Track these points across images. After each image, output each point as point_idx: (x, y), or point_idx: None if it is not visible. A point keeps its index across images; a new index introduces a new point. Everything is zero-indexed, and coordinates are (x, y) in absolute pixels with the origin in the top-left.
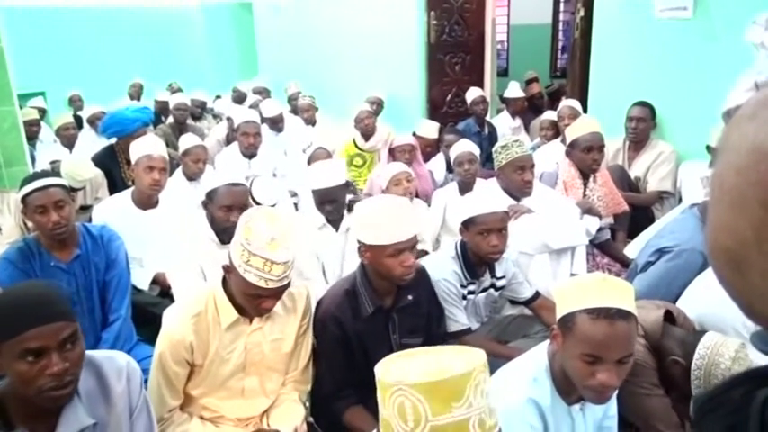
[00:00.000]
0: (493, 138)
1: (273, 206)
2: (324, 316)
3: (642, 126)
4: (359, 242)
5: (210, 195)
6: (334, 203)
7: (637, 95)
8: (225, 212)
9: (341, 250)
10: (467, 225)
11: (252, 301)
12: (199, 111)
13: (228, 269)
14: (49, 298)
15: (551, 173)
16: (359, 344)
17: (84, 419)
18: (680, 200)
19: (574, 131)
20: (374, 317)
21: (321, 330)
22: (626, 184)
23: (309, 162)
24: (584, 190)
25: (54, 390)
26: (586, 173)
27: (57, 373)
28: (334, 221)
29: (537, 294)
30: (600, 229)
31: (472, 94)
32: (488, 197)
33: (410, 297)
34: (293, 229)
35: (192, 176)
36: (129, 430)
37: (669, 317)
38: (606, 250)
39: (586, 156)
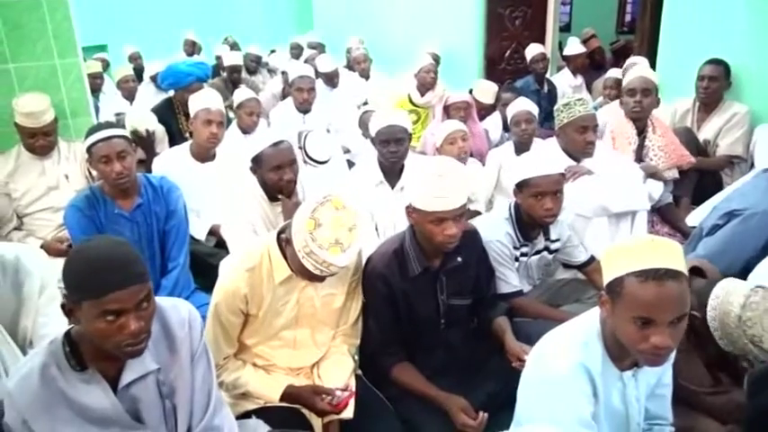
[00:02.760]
0: (552, 96)
1: (326, 162)
2: (372, 274)
3: (714, 86)
4: (407, 206)
5: (257, 161)
6: (398, 143)
7: (710, 53)
8: (275, 173)
9: (394, 209)
10: (521, 187)
11: (305, 275)
12: (254, 65)
13: (287, 241)
14: (128, 259)
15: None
16: (405, 303)
17: (150, 364)
18: (752, 165)
19: (625, 79)
20: (421, 277)
21: (369, 288)
22: (693, 147)
23: (360, 125)
24: (642, 142)
25: (131, 346)
26: (635, 119)
27: (134, 332)
28: (391, 177)
29: (592, 259)
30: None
31: (532, 50)
32: (545, 159)
33: (459, 259)
34: (360, 230)
35: (246, 129)
36: (190, 374)
37: (698, 272)
38: (667, 216)
39: (629, 99)
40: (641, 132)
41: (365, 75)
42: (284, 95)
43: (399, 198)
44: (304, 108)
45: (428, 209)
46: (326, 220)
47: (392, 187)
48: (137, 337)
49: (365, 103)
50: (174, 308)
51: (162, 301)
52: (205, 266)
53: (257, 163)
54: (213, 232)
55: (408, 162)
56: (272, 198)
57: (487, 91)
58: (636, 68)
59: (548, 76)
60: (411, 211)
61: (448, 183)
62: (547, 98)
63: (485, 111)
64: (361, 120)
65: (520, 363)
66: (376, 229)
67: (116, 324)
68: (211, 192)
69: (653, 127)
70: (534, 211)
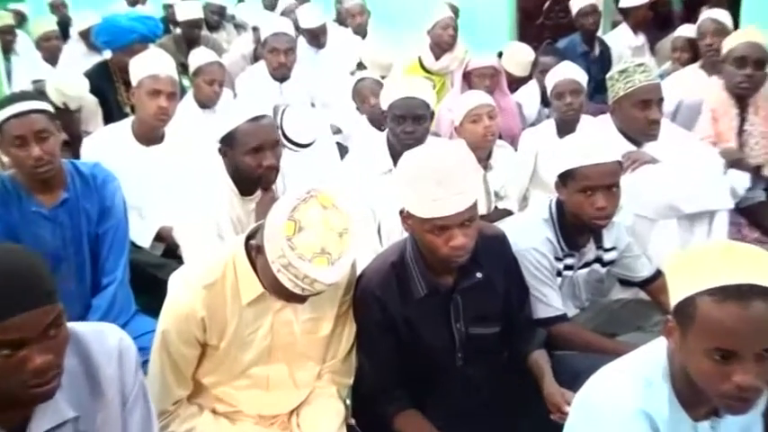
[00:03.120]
0: (605, 60)
1: (309, 145)
2: (364, 295)
3: None
4: (400, 210)
5: (229, 140)
6: (418, 122)
7: None
8: (253, 157)
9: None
10: (564, 179)
11: (281, 294)
12: (216, 18)
13: (257, 249)
14: (31, 273)
15: (693, 103)
16: (409, 333)
17: (65, 411)
18: None
19: (729, 42)
20: (429, 299)
21: (361, 313)
22: None
23: (354, 97)
24: (741, 124)
25: (37, 387)
26: (740, 96)
27: (40, 368)
28: None
29: (658, 273)
30: (751, 188)
31: (579, 1)
32: (596, 142)
33: (479, 275)
34: (356, 235)
35: (205, 102)
36: (121, 424)
37: None
38: (757, 218)
39: (737, 71)
40: (742, 113)
41: (361, 31)
42: (255, 58)
43: None
44: (281, 75)
45: (424, 215)
46: (310, 223)
47: None
48: (44, 374)
49: (360, 68)
50: (99, 335)
51: (81, 326)
52: (150, 282)
53: (229, 143)
54: (162, 237)
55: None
56: (245, 191)
57: (521, 61)
58: (743, 30)
59: (599, 34)
60: (405, 216)
61: (449, 177)
62: (598, 63)
63: (517, 81)
64: (355, 90)
65: (560, 415)
66: (379, 232)
67: (15, 359)
68: (160, 183)
69: (755, 107)
70: (583, 211)
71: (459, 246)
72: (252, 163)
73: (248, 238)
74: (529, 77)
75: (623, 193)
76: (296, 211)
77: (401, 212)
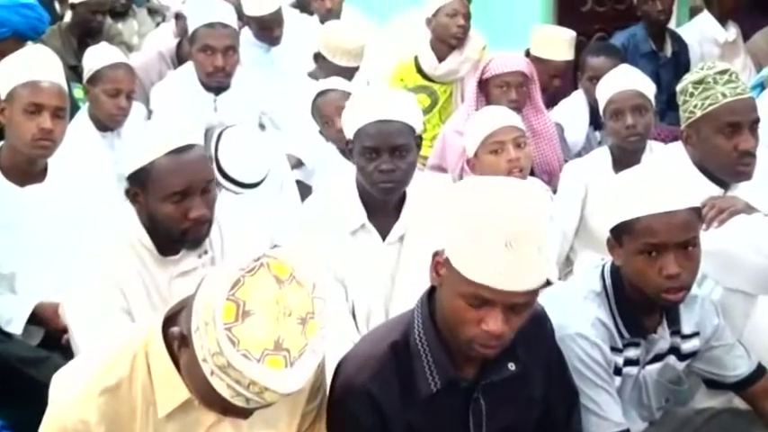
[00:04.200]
0: (681, 64)
1: (258, 185)
2: (347, 391)
3: None
4: (435, 252)
5: (141, 179)
6: (397, 154)
7: None
8: (176, 205)
9: (389, 272)
10: (619, 234)
11: (216, 405)
12: (123, 2)
13: (181, 340)
14: None
15: None
16: None
17: None
18: None
19: None
20: (442, 399)
21: (340, 419)
22: None
23: (315, 115)
24: None
25: None
26: None
27: None
28: (380, 217)
29: (760, 371)
30: None
31: None
32: (664, 181)
33: (512, 366)
34: (324, 322)
35: (106, 122)
36: None
37: None
38: None
39: None
40: None
41: (333, 19)
42: (179, 59)
43: (396, 255)
44: (216, 83)
45: (471, 276)
46: (260, 305)
47: (383, 237)
48: None
49: (321, 62)
50: None
51: None
52: (23, 383)
53: (141, 184)
54: (41, 318)
55: (414, 188)
56: (165, 249)
57: (557, 40)
58: None
59: (672, 26)
60: (440, 263)
61: (522, 241)
62: (671, 67)
63: (558, 78)
64: (315, 106)
65: None
66: (353, 313)
67: None
68: (39, 239)
69: None
70: (646, 280)
71: (494, 333)
72: (174, 213)
73: (168, 320)
74: (572, 86)
75: (706, 255)
76: (239, 287)
77: (435, 254)
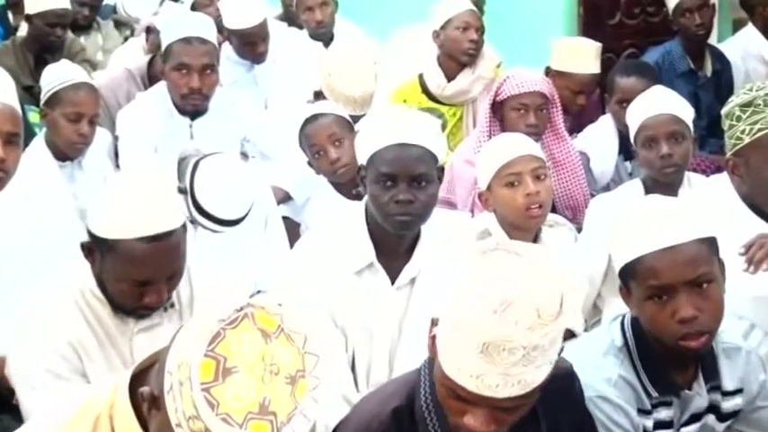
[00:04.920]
0: (723, 83)
1: (239, 222)
2: None
3: None
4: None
5: (103, 247)
6: (420, 185)
7: None
8: (132, 289)
9: (395, 320)
10: (626, 280)
11: None
12: (86, 13)
13: (152, 401)
14: None
15: None
16: None
17: None
18: None
19: None
20: None
21: None
22: None
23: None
24: None
25: None
26: None
27: None
28: (391, 255)
29: None
30: None
31: None
32: (663, 213)
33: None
34: (320, 381)
35: (67, 151)
36: None
37: None
38: None
39: None
40: None
41: (324, 34)
42: (151, 78)
43: (405, 301)
44: (192, 106)
45: (452, 376)
46: (243, 361)
47: (392, 280)
48: None
49: (318, 96)
50: None
51: None
52: None
53: (100, 249)
54: None
55: (430, 226)
56: (127, 310)
57: (580, 50)
58: None
59: (713, 41)
60: (433, 336)
61: (506, 357)
62: (712, 88)
63: (582, 95)
64: (304, 135)
65: None
66: (352, 365)
67: None
68: None
69: None
70: (661, 328)
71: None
72: (128, 292)
73: (136, 377)
74: (600, 110)
75: (754, 301)
76: (219, 341)
77: (433, 322)
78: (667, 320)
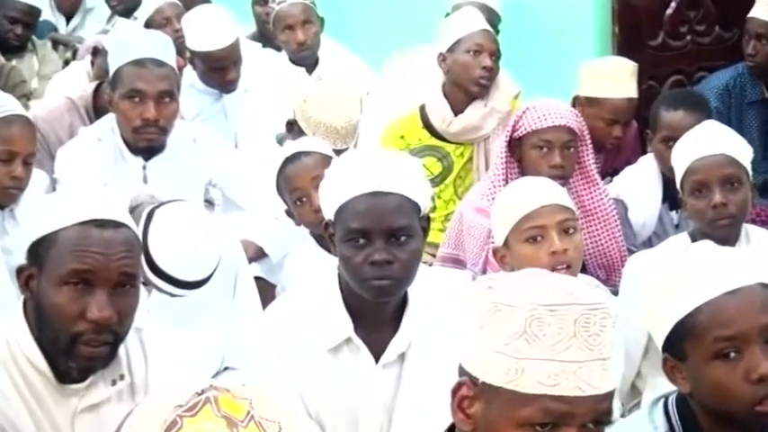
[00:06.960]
0: None
1: (202, 284)
2: None
3: None
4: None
5: (40, 251)
6: (398, 242)
7: None
8: (72, 295)
9: (382, 405)
10: (676, 345)
11: None
12: (19, 32)
13: None
14: None
15: None
16: None
17: None
18: None
19: None
20: None
21: None
22: None
23: (283, 189)
24: None
25: None
26: None
27: None
28: (372, 328)
29: None
30: None
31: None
32: (719, 257)
33: None
34: None
35: None
36: None
37: None
38: None
39: None
40: None
41: (307, 58)
42: (97, 110)
43: (394, 381)
44: (146, 141)
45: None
46: None
47: (376, 357)
48: None
49: (295, 131)
50: None
51: None
52: None
53: (38, 260)
54: None
55: (418, 289)
56: (65, 372)
57: (614, 71)
58: None
59: None
60: (468, 397)
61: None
62: None
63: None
64: (281, 178)
65: None
66: None
67: None
68: None
69: None
70: (731, 393)
71: None
72: (67, 305)
73: None
74: (639, 148)
75: None
76: (175, 429)
77: (458, 388)
78: (740, 382)
